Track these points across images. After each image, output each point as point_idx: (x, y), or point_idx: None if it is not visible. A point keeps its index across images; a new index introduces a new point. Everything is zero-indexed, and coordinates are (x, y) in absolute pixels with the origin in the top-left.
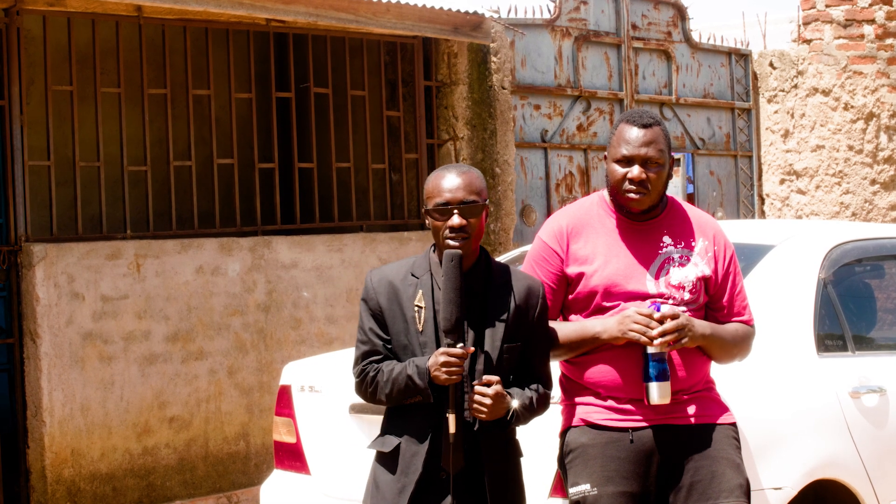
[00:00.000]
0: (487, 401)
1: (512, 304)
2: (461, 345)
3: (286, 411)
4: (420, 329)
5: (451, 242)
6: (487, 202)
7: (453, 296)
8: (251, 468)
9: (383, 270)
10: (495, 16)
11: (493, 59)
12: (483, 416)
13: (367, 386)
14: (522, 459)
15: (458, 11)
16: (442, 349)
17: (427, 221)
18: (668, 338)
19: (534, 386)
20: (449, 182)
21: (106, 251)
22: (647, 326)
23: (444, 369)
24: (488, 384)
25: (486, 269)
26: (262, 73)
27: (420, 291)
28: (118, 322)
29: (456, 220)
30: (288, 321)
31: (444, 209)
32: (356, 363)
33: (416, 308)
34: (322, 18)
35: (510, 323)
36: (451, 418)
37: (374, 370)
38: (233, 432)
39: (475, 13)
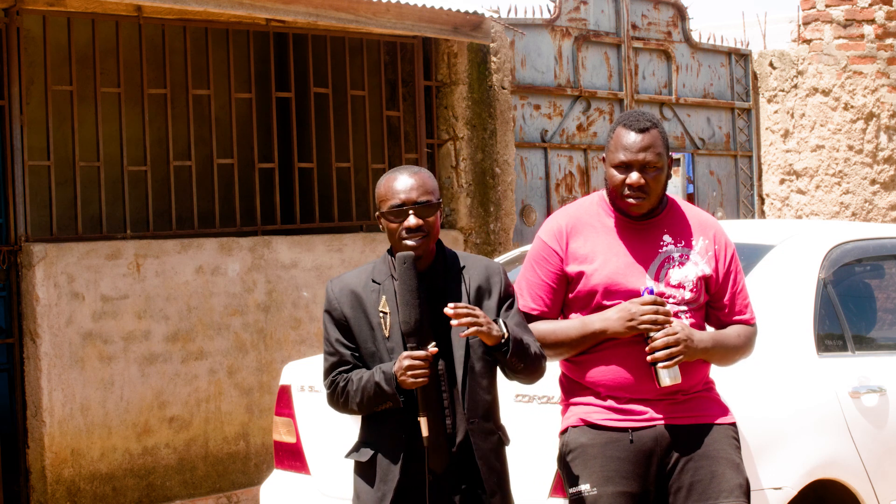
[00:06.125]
0: (478, 316)
1: (471, 290)
2: (433, 345)
3: (286, 411)
4: (387, 335)
5: (408, 243)
6: (441, 201)
7: (409, 297)
8: (251, 468)
9: (343, 279)
10: (495, 16)
11: (493, 59)
12: (482, 332)
13: (338, 397)
14: (521, 460)
15: (458, 11)
16: (405, 353)
17: (381, 225)
18: (664, 353)
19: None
20: (402, 183)
21: (106, 251)
22: (655, 313)
23: (409, 373)
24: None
25: (444, 265)
26: (262, 73)
27: (384, 297)
28: (118, 322)
29: (412, 220)
30: (288, 321)
31: (400, 210)
32: (325, 375)
33: (380, 314)
34: (322, 18)
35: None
36: (423, 421)
37: (344, 380)
38: (233, 432)
39: (475, 13)
